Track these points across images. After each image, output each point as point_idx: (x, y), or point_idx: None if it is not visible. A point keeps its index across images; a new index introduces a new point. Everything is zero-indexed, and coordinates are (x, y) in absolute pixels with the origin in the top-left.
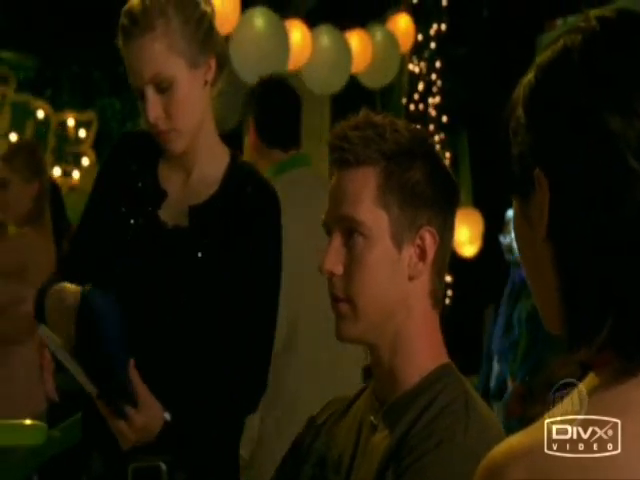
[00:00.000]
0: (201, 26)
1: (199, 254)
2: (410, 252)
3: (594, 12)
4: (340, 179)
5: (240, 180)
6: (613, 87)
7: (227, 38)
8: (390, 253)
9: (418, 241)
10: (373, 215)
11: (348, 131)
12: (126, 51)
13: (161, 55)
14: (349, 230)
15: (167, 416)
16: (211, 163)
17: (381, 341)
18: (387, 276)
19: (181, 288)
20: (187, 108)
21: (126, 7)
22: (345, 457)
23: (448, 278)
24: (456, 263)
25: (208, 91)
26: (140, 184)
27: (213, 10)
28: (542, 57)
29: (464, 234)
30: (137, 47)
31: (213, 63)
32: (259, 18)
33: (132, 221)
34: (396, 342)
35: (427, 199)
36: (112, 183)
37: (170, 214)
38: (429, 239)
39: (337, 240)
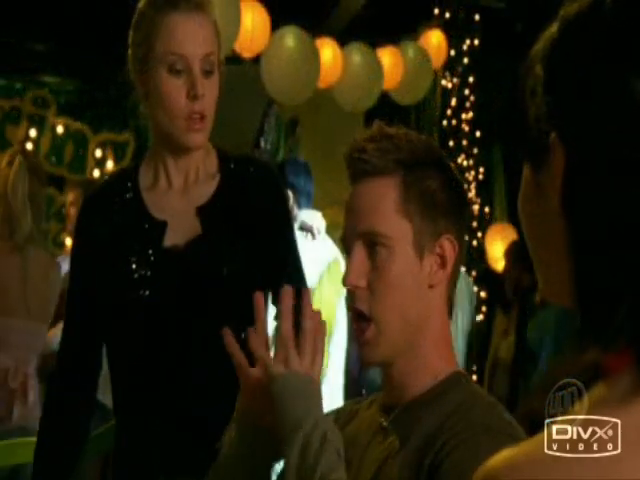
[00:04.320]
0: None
1: (221, 259)
2: (431, 261)
3: None
4: (359, 191)
5: (237, 166)
6: None
7: (258, 57)
8: (412, 263)
9: (438, 250)
10: (395, 226)
11: (364, 143)
12: (174, 20)
13: (214, 38)
14: (370, 243)
15: None
16: (206, 162)
17: (399, 353)
18: (410, 288)
19: (217, 297)
20: (215, 103)
21: None
22: (354, 461)
23: (482, 294)
24: (490, 278)
25: None
26: (134, 225)
27: None
28: (569, 9)
29: (498, 249)
30: (196, 21)
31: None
32: (290, 37)
33: (135, 265)
34: (412, 350)
35: (444, 207)
36: (95, 244)
37: (179, 232)
38: (449, 247)
39: (359, 253)
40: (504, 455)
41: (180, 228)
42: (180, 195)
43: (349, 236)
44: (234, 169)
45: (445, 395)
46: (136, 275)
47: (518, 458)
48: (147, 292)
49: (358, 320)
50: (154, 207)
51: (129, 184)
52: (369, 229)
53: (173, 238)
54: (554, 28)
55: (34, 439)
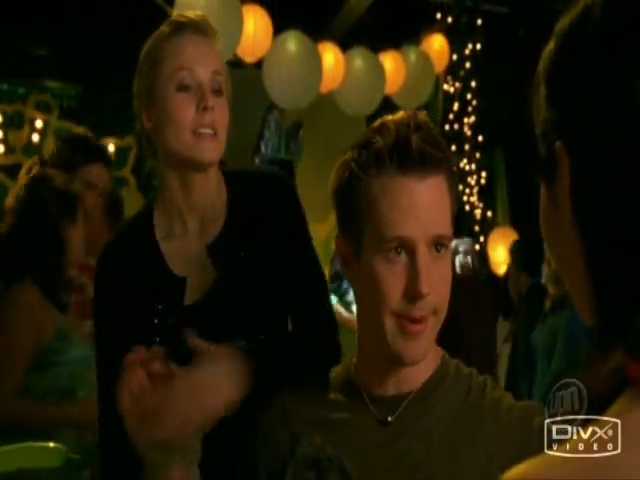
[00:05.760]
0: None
1: (241, 307)
2: None
3: None
4: (419, 189)
5: (245, 189)
6: None
7: (260, 62)
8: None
9: None
10: (450, 225)
11: (411, 132)
12: (183, 41)
13: (221, 63)
14: (435, 245)
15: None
16: (220, 195)
17: None
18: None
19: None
20: (226, 124)
21: (177, 16)
22: (353, 461)
23: None
24: (493, 283)
25: None
26: (154, 282)
27: None
28: (561, 23)
29: (501, 254)
30: (201, 40)
31: None
32: (292, 41)
33: (157, 326)
34: None
35: None
36: (117, 301)
37: (197, 285)
38: None
39: (427, 257)
40: (520, 466)
41: (198, 280)
42: (197, 239)
43: (411, 237)
44: (242, 194)
45: (443, 380)
46: (157, 338)
47: (531, 462)
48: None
49: (414, 322)
50: (172, 259)
51: (145, 233)
52: (440, 232)
53: (193, 294)
54: (551, 44)
55: (39, 444)
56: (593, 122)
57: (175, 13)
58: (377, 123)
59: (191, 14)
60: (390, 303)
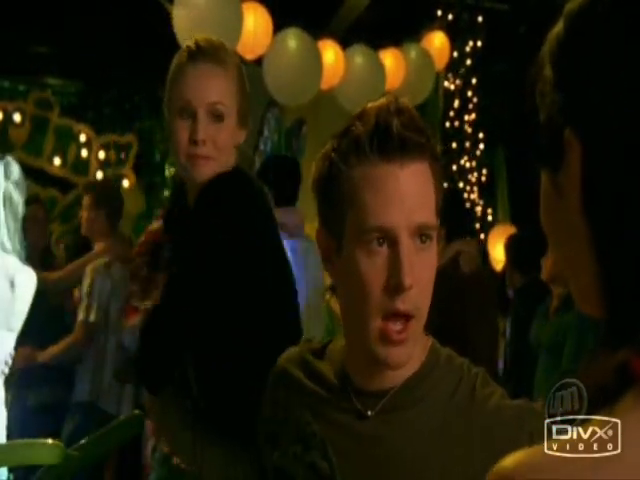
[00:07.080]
0: (247, 102)
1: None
2: None
3: None
4: (401, 176)
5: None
6: None
7: (260, 59)
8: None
9: None
10: (435, 215)
11: (392, 118)
12: (188, 71)
13: (225, 86)
14: (419, 235)
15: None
16: None
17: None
18: None
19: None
20: (225, 145)
21: (194, 41)
22: (333, 444)
23: None
24: (492, 279)
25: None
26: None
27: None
28: (571, 4)
29: (501, 251)
30: (207, 69)
31: (243, 135)
32: (292, 39)
33: None
34: None
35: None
36: None
37: None
38: None
39: (411, 248)
40: (517, 456)
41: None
42: None
43: (396, 228)
44: (200, 196)
45: (430, 375)
46: None
47: (531, 459)
48: None
49: (396, 319)
50: None
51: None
52: (424, 221)
53: None
54: (559, 26)
55: (38, 440)
56: (604, 102)
57: (194, 38)
58: (358, 111)
59: (205, 40)
60: (372, 298)
